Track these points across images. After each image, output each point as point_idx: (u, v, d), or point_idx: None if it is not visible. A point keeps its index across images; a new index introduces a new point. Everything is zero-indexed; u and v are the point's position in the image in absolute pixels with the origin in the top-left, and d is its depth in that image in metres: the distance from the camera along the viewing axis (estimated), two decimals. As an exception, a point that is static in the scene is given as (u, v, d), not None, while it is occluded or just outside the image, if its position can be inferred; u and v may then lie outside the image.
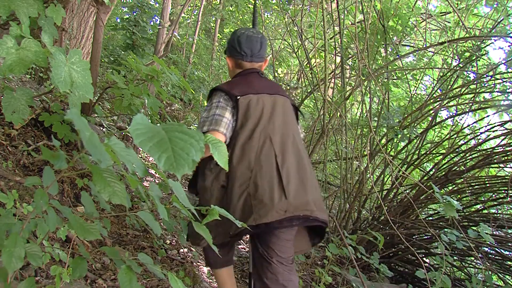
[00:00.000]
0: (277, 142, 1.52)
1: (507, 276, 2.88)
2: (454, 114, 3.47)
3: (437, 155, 3.53)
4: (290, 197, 1.43)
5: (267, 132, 1.52)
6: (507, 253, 2.93)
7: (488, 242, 2.26)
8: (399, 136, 2.95)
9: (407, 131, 3.05)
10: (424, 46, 3.56)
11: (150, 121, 2.22)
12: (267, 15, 6.51)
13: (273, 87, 1.69)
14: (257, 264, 1.58)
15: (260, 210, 1.41)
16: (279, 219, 1.41)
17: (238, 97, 1.53)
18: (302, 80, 4.73)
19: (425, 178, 3.40)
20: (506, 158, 2.87)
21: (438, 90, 3.45)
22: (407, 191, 3.35)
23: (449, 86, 3.31)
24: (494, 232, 2.87)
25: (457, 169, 3.08)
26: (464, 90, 3.22)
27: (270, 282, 1.52)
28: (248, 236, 1.88)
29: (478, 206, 3.27)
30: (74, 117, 0.55)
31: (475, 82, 3.12)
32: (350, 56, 3.69)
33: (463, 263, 3.26)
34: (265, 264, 1.54)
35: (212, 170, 1.51)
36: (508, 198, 2.84)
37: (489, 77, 3.07)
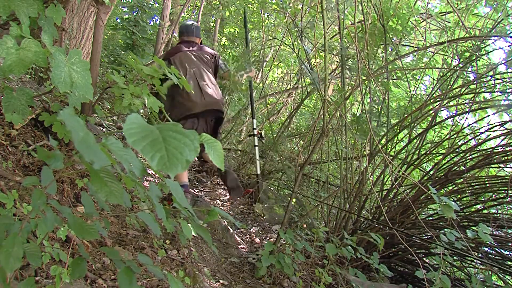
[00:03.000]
0: (197, 73, 3.09)
1: (507, 276, 2.88)
2: (454, 114, 3.46)
3: (437, 155, 3.53)
4: (206, 99, 3.02)
5: (191, 69, 3.08)
6: (507, 253, 2.93)
7: (488, 242, 2.25)
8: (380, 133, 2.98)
9: (397, 128, 3.05)
10: (424, 46, 3.56)
11: (150, 121, 2.22)
12: (267, 15, 6.51)
13: (197, 48, 3.25)
14: None
15: (193, 106, 3.00)
16: (201, 111, 3.02)
17: (170, 57, 3.14)
18: (302, 80, 4.73)
19: (425, 178, 3.40)
20: (506, 158, 2.87)
21: (438, 90, 3.45)
22: (407, 191, 3.35)
23: (449, 86, 3.31)
24: (494, 232, 2.87)
25: (457, 169, 3.08)
26: (464, 90, 3.22)
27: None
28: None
29: (478, 206, 3.27)
30: (65, 116, 0.55)
31: (475, 82, 3.12)
32: (349, 56, 3.68)
33: (463, 263, 3.26)
34: None
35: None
36: (508, 198, 2.84)
37: (489, 77, 3.07)
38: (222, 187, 4.27)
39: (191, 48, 3.21)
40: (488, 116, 3.34)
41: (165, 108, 2.98)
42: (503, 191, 2.99)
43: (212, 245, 0.98)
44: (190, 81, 2.99)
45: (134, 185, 0.83)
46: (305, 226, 3.59)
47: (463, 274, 3.28)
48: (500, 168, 3.34)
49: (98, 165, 0.54)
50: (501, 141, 2.97)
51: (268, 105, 6.13)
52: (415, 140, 3.47)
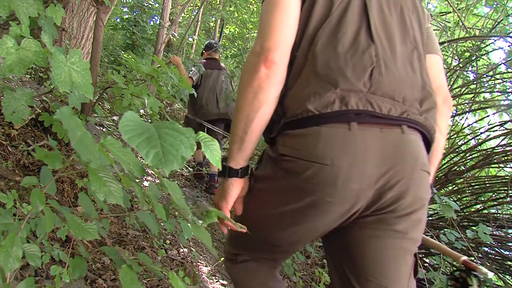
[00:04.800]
0: (217, 88, 3.94)
1: (507, 276, 2.88)
2: (454, 114, 3.46)
3: (437, 155, 3.52)
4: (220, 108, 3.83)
5: (211, 81, 3.92)
6: (507, 253, 2.93)
7: (488, 242, 2.26)
8: None
9: None
10: (424, 46, 3.55)
11: (150, 121, 2.22)
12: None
13: (217, 65, 4.12)
14: None
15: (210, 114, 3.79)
16: (214, 119, 3.67)
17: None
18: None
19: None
20: (506, 158, 2.87)
21: (438, 90, 3.45)
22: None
23: (449, 86, 3.31)
24: (494, 232, 2.87)
25: (457, 169, 3.08)
26: (464, 90, 3.22)
27: None
28: None
29: (478, 206, 3.27)
30: (63, 116, 0.55)
31: (475, 82, 3.12)
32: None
33: (463, 263, 3.26)
34: None
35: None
36: (508, 198, 2.84)
37: (489, 77, 3.07)
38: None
39: (214, 64, 4.12)
40: (488, 116, 3.34)
41: (188, 112, 4.10)
42: (503, 191, 2.99)
43: (212, 248, 0.97)
44: (210, 93, 3.93)
45: (132, 185, 0.83)
46: None
47: (463, 274, 3.28)
48: (500, 168, 3.34)
49: (95, 164, 0.54)
50: (501, 141, 2.97)
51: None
52: (415, 140, 3.47)
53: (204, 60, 4.16)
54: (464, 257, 1.12)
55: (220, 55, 4.85)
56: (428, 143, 0.97)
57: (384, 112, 0.87)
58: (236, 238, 1.15)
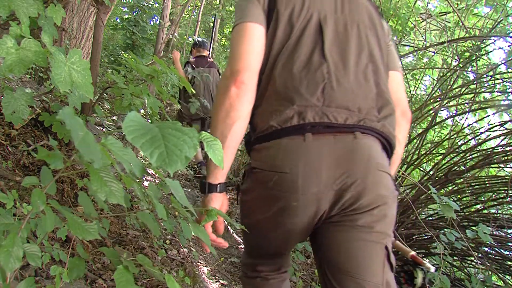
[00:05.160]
0: (211, 87, 4.14)
1: (507, 276, 2.88)
2: (454, 114, 3.46)
3: (437, 155, 3.52)
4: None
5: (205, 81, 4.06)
6: (507, 253, 2.93)
7: (488, 242, 2.26)
8: None
9: None
10: (424, 46, 3.56)
11: (150, 121, 2.22)
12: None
13: (208, 63, 4.18)
14: None
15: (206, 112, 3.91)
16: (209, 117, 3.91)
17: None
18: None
19: (425, 178, 3.40)
20: (506, 158, 2.87)
21: (438, 90, 3.45)
22: (407, 191, 3.35)
23: (449, 86, 3.30)
24: (494, 232, 2.87)
25: (457, 169, 3.08)
26: (464, 90, 3.22)
27: None
28: None
29: (478, 206, 3.27)
30: (65, 116, 0.55)
31: (475, 82, 3.12)
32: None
33: (463, 263, 3.26)
34: None
35: None
36: (508, 198, 2.83)
37: (489, 77, 3.07)
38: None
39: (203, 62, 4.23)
40: (488, 116, 3.34)
41: (183, 110, 4.00)
42: (503, 191, 2.99)
43: (212, 248, 0.97)
44: (206, 92, 4.06)
45: (133, 185, 0.83)
46: None
47: (463, 274, 3.28)
48: (500, 168, 3.34)
49: (97, 164, 0.54)
50: (501, 141, 2.96)
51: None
52: (415, 140, 3.46)
53: (194, 59, 4.27)
54: (413, 253, 1.25)
55: (214, 55, 5.05)
56: (389, 147, 1.04)
57: (340, 122, 0.95)
58: (246, 247, 1.28)
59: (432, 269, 1.18)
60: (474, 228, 2.52)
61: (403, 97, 1.19)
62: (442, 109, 3.43)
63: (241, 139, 1.03)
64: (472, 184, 3.10)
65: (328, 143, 0.95)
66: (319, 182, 0.93)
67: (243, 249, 2.83)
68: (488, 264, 2.70)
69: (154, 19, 6.99)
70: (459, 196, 3.24)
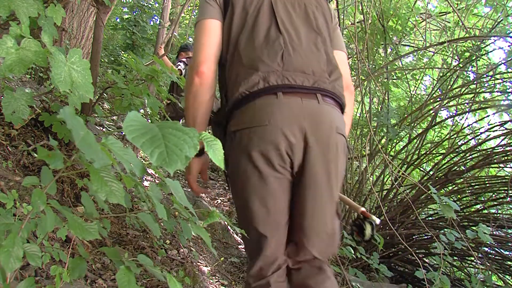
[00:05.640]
0: None
1: (507, 276, 2.88)
2: (454, 114, 3.47)
3: (437, 155, 3.53)
4: None
5: None
6: (507, 253, 2.93)
7: (488, 242, 2.26)
8: (390, 134, 2.95)
9: (397, 127, 3.05)
10: (424, 46, 3.56)
11: (150, 121, 2.22)
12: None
13: None
14: None
15: None
16: None
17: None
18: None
19: (425, 178, 3.40)
20: (506, 158, 2.87)
21: (438, 90, 3.45)
22: (407, 191, 3.35)
23: (449, 86, 3.31)
24: (494, 232, 2.87)
25: (457, 169, 3.08)
26: (464, 90, 3.22)
27: None
28: None
29: (478, 206, 3.27)
30: (66, 115, 0.55)
31: (475, 82, 3.12)
32: (349, 56, 3.69)
33: (463, 263, 3.26)
34: None
35: None
36: (508, 198, 2.84)
37: (489, 77, 3.07)
38: (222, 186, 4.27)
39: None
40: (488, 116, 3.34)
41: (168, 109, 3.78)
42: (503, 191, 2.99)
43: (211, 247, 0.97)
44: None
45: (134, 185, 0.83)
46: None
47: (463, 274, 3.28)
48: (500, 168, 3.34)
49: (98, 164, 0.54)
50: (501, 141, 2.97)
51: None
52: (415, 140, 3.47)
53: (186, 59, 4.06)
54: (363, 209, 1.45)
55: None
56: (341, 106, 1.23)
57: (298, 84, 1.13)
58: (245, 244, 1.31)
59: (377, 221, 1.38)
60: (474, 228, 2.52)
61: (347, 73, 1.38)
62: (442, 109, 3.44)
63: (208, 116, 1.23)
64: (472, 184, 3.11)
65: (296, 103, 1.11)
66: (295, 133, 1.09)
67: (243, 249, 2.83)
68: (488, 264, 2.70)
69: (154, 19, 6.99)
70: (459, 196, 3.24)
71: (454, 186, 3.21)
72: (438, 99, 3.32)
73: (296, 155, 1.10)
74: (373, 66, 3.25)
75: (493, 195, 3.15)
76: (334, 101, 1.18)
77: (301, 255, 1.19)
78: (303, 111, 1.11)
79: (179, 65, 3.97)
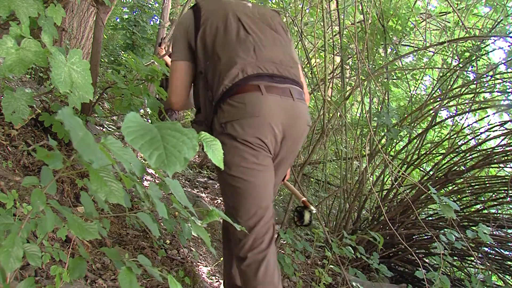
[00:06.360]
0: None
1: (507, 276, 2.88)
2: (454, 114, 3.46)
3: (437, 155, 3.52)
4: None
5: None
6: (507, 253, 2.93)
7: (488, 242, 2.26)
8: (391, 134, 2.95)
9: (397, 127, 3.04)
10: (424, 46, 3.56)
11: (150, 121, 2.22)
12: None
13: None
14: None
15: None
16: None
17: None
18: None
19: (425, 178, 3.40)
20: (506, 158, 2.87)
21: (438, 90, 3.45)
22: (407, 191, 3.35)
23: (449, 86, 3.30)
24: (494, 232, 2.87)
25: (457, 169, 3.08)
26: (464, 90, 3.22)
27: None
28: None
29: (478, 206, 3.27)
30: (64, 116, 0.55)
31: (475, 82, 3.12)
32: (349, 56, 3.69)
33: (463, 263, 3.26)
34: None
35: None
36: (508, 198, 2.84)
37: (489, 77, 3.07)
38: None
39: None
40: (488, 116, 3.34)
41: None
42: (503, 191, 2.99)
43: (211, 247, 0.97)
44: None
45: (133, 184, 0.83)
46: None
47: (463, 274, 3.28)
48: (500, 168, 3.34)
49: (97, 164, 0.54)
50: (501, 141, 2.97)
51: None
52: (415, 140, 3.47)
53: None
54: (304, 198, 1.64)
55: None
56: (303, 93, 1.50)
57: (270, 72, 1.36)
58: (229, 212, 1.45)
59: (314, 210, 1.61)
60: (474, 228, 2.52)
61: (304, 82, 1.60)
62: (442, 109, 3.43)
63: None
64: (472, 184, 3.11)
65: (277, 99, 1.34)
66: (278, 126, 1.34)
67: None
68: (488, 264, 2.71)
69: (154, 19, 6.99)
70: (459, 196, 3.24)
71: (454, 186, 3.20)
72: (438, 99, 3.32)
73: (277, 143, 1.37)
74: (373, 66, 3.24)
75: (493, 195, 3.15)
76: (299, 86, 1.44)
77: None
78: (281, 109, 1.34)
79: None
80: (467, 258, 3.15)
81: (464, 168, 3.00)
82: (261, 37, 1.42)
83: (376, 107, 3.90)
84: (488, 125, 3.19)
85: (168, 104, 1.56)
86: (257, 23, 1.47)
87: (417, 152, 3.44)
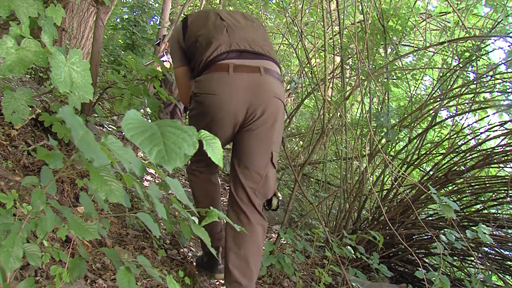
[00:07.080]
0: None
1: (507, 276, 2.88)
2: (454, 114, 3.46)
3: (437, 155, 3.52)
4: None
5: None
6: (507, 253, 2.93)
7: (488, 242, 2.26)
8: (390, 136, 2.95)
9: (397, 128, 3.04)
10: (424, 46, 3.55)
11: (150, 121, 2.22)
12: (267, 16, 6.51)
13: None
14: None
15: None
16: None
17: None
18: (302, 79, 4.72)
19: (425, 178, 3.40)
20: (506, 158, 2.87)
21: (438, 90, 3.44)
22: (407, 191, 3.35)
23: (449, 86, 3.30)
24: (494, 232, 2.87)
25: (457, 169, 3.08)
26: (464, 90, 3.22)
27: None
28: None
29: (478, 206, 3.27)
30: (65, 115, 0.55)
31: (475, 82, 3.12)
32: (349, 56, 3.68)
33: (463, 263, 3.26)
34: None
35: None
36: (508, 198, 2.84)
37: (489, 77, 3.07)
38: (223, 186, 4.27)
39: None
40: (488, 116, 3.34)
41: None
42: (503, 191, 2.99)
43: (211, 247, 0.97)
44: None
45: (133, 184, 0.83)
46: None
47: (463, 274, 3.28)
48: (500, 168, 3.34)
49: (97, 163, 0.54)
50: (501, 141, 2.96)
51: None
52: (415, 140, 3.46)
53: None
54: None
55: None
56: (278, 66, 1.69)
57: (242, 48, 1.58)
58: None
59: (281, 197, 1.79)
60: (474, 228, 2.52)
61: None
62: (442, 109, 3.43)
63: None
64: (472, 184, 3.10)
65: (243, 77, 1.53)
66: (237, 102, 1.52)
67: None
68: (488, 264, 2.71)
69: (154, 19, 6.99)
70: (459, 196, 3.24)
71: (454, 186, 3.20)
72: (438, 99, 3.32)
73: (238, 118, 1.55)
74: (373, 66, 3.24)
75: (493, 195, 3.15)
76: (272, 61, 1.64)
77: (238, 189, 1.63)
78: (248, 84, 1.53)
79: (163, 56, 3.92)
80: (467, 258, 3.15)
81: (464, 168, 3.00)
82: (234, 22, 1.65)
83: (376, 107, 3.90)
84: (488, 125, 3.19)
85: (185, 103, 1.86)
86: (233, 15, 1.72)
87: (417, 152, 3.44)
